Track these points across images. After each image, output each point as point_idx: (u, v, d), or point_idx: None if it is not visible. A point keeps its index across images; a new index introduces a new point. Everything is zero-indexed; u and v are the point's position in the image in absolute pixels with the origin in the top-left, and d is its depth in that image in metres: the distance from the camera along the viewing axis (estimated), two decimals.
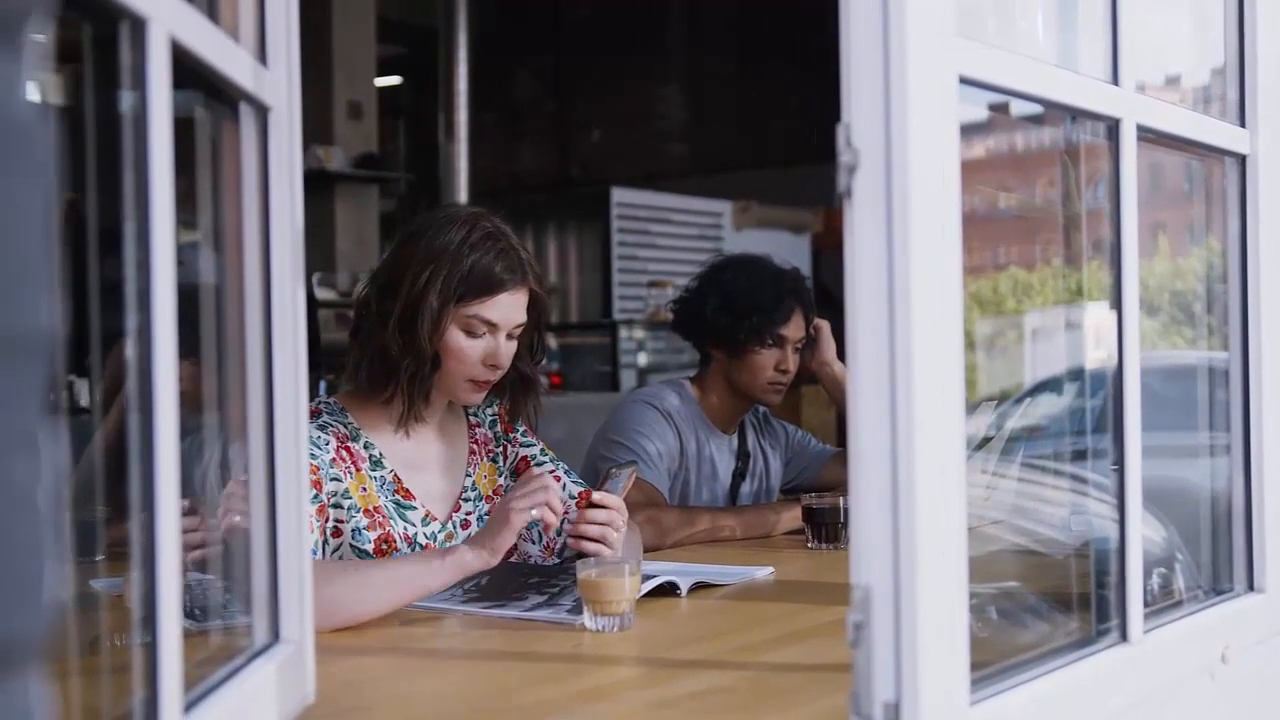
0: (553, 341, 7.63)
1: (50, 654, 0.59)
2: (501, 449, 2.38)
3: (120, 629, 1.43)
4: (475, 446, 2.34)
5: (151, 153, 0.98)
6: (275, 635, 1.34)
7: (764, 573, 2.30)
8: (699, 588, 2.13)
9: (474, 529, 2.26)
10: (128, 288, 0.99)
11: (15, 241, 0.54)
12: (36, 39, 0.58)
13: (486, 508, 2.31)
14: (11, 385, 0.54)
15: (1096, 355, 1.94)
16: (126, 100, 0.99)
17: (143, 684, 0.99)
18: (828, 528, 2.60)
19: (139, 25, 0.97)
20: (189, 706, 1.06)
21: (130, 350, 0.98)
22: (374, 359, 2.17)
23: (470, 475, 2.31)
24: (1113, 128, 1.49)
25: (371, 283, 2.21)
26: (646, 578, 1.99)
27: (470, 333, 2.16)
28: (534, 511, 1.95)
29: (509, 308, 2.17)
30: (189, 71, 1.09)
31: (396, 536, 2.16)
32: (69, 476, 0.65)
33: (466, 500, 2.30)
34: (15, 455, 0.54)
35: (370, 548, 2.12)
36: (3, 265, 0.53)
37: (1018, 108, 1.54)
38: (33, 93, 0.57)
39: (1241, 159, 1.77)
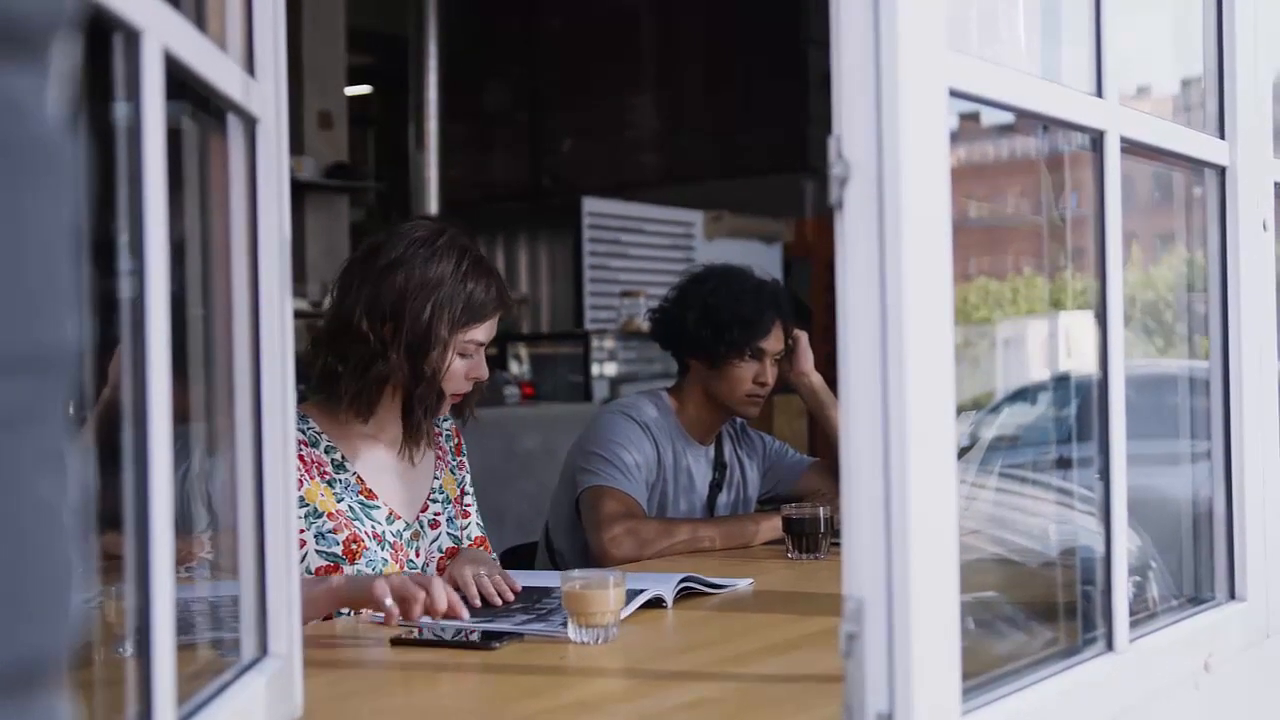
0: (524, 351, 7.62)
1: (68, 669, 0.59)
2: (458, 462, 2.47)
3: (102, 643, 1.42)
4: (440, 452, 2.43)
5: (145, 163, 0.97)
6: (263, 649, 1.33)
7: (744, 584, 2.31)
8: (685, 594, 2.13)
9: (443, 529, 2.36)
10: (118, 298, 0.98)
11: (42, 257, 0.53)
12: (62, 55, 0.57)
13: (453, 510, 2.40)
14: (38, 401, 0.54)
15: (1070, 364, 1.95)
16: (119, 111, 0.98)
17: (136, 698, 0.98)
18: (808, 538, 2.60)
19: (133, 37, 0.96)
20: None
21: (124, 361, 0.98)
22: (374, 385, 2.22)
23: (438, 478, 2.39)
24: (1097, 139, 1.50)
25: (356, 306, 2.22)
26: (632, 592, 1.99)
27: (463, 355, 2.26)
28: (388, 602, 1.90)
29: (494, 326, 2.30)
30: (177, 82, 1.08)
31: (364, 535, 2.21)
32: (91, 492, 0.64)
33: (435, 501, 2.38)
34: (43, 472, 0.54)
35: (339, 549, 2.19)
36: (30, 281, 0.53)
37: (987, 117, 1.54)
38: (58, 108, 0.56)
39: (1221, 170, 1.79)
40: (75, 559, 0.57)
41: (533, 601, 2.09)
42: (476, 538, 2.44)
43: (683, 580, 2.14)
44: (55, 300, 0.55)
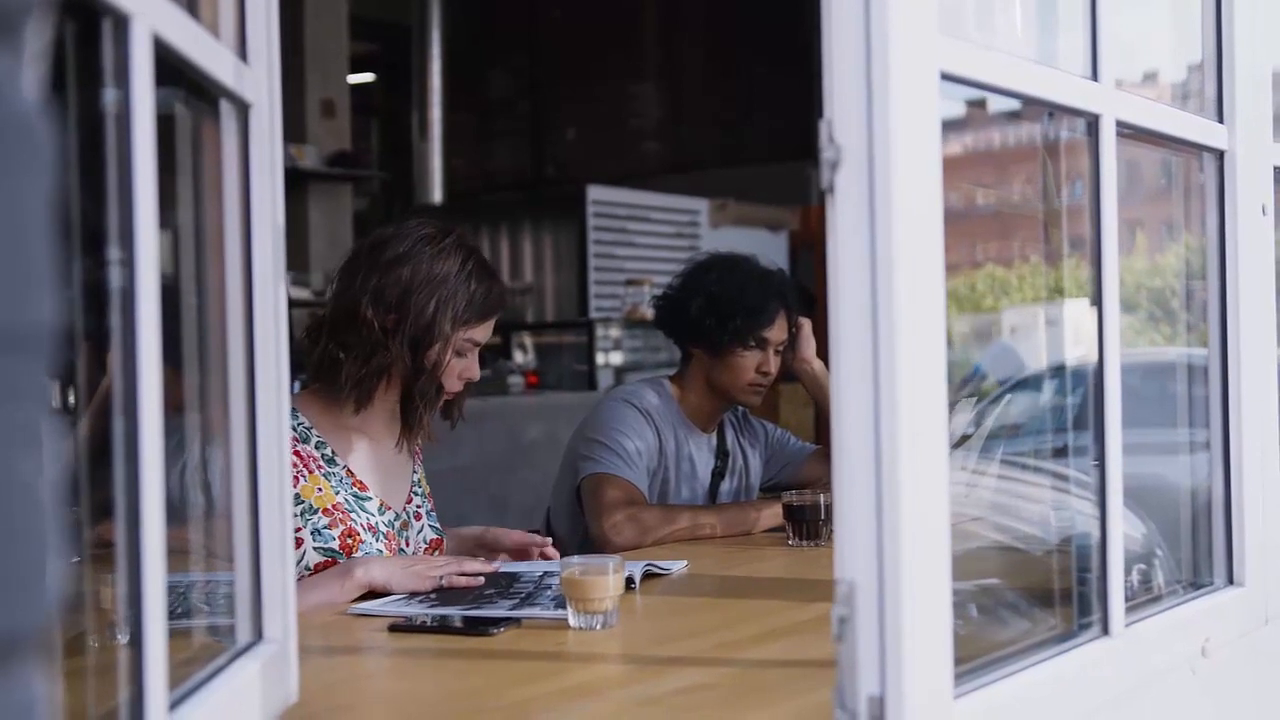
0: (528, 340, 7.62)
1: (49, 648, 0.59)
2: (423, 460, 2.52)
3: (95, 629, 1.42)
4: (417, 448, 2.46)
5: (135, 151, 0.97)
6: (258, 634, 1.33)
7: (679, 565, 2.34)
8: (647, 578, 2.18)
9: (425, 520, 2.40)
10: (110, 287, 0.98)
11: (18, 237, 0.54)
12: (36, 36, 0.58)
13: (430, 504, 2.45)
14: (15, 379, 0.54)
15: (1075, 352, 1.95)
16: (108, 97, 0.98)
17: (127, 683, 0.98)
18: (808, 525, 2.60)
19: (122, 22, 0.96)
20: (173, 705, 1.06)
21: (114, 351, 0.98)
22: (375, 375, 2.24)
23: (416, 472, 2.44)
24: (1092, 123, 1.50)
25: (361, 297, 2.23)
26: None
27: (460, 353, 2.29)
28: (443, 580, 2.10)
29: (491, 328, 2.34)
30: (169, 68, 1.08)
31: (359, 528, 2.24)
32: (68, 472, 0.65)
33: (416, 494, 2.42)
34: (20, 449, 0.55)
35: (336, 544, 2.20)
36: (6, 260, 0.53)
37: (994, 104, 1.54)
38: (32, 89, 0.57)
39: (1219, 154, 1.78)
40: (53, 536, 0.58)
41: (505, 587, 2.09)
42: (432, 540, 2.43)
43: (645, 566, 2.20)
44: (31, 279, 0.55)
